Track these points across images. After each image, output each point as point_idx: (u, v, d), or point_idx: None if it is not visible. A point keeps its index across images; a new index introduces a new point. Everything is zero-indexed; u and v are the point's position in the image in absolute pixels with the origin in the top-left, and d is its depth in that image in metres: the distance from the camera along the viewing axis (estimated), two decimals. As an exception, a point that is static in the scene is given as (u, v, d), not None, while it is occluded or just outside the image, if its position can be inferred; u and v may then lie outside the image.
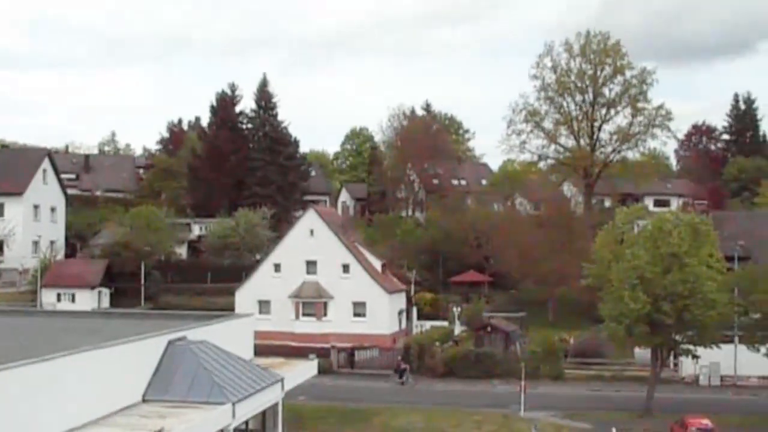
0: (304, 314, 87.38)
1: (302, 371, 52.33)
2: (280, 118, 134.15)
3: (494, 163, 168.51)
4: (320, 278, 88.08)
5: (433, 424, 58.93)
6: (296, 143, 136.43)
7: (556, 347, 78.28)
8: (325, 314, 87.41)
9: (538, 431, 55.92)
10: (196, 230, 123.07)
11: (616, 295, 60.67)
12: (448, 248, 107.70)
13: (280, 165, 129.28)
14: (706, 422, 53.87)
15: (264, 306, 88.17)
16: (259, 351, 54.48)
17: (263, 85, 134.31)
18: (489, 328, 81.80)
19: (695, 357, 65.14)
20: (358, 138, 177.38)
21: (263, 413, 43.68)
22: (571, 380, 75.75)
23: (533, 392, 65.20)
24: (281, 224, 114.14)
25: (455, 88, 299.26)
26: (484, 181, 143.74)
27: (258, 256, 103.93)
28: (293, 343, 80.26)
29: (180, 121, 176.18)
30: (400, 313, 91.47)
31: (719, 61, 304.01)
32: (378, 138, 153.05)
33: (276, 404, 44.25)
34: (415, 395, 69.72)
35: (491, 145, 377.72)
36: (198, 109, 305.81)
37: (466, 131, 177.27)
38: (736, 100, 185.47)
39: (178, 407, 36.28)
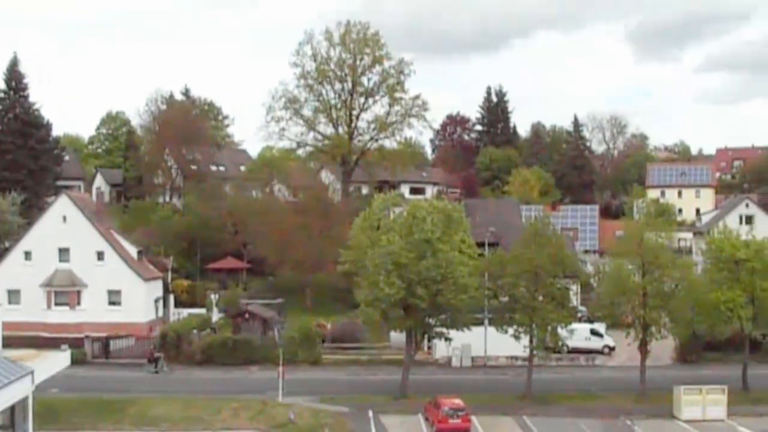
0: (56, 303, 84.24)
1: (54, 363, 50.51)
2: (31, 99, 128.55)
3: (253, 150, 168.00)
4: (73, 266, 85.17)
5: (190, 413, 58.23)
6: (49, 126, 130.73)
7: (314, 333, 78.83)
8: (79, 303, 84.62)
9: (296, 416, 56.28)
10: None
11: (371, 281, 61.67)
12: (205, 235, 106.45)
13: (31, 149, 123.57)
14: (458, 402, 55.97)
15: (13, 295, 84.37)
16: (8, 343, 52.44)
17: (13, 65, 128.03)
18: (247, 315, 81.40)
19: (448, 339, 67.24)
20: (114, 122, 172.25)
21: (12, 408, 41.76)
22: (328, 365, 76.51)
23: (291, 378, 65.27)
24: (32, 210, 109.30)
25: (215, 74, 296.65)
26: (243, 168, 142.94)
27: (7, 244, 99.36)
28: (46, 334, 77.49)
29: None
30: (156, 300, 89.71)
31: (475, 55, 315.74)
32: (135, 122, 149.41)
33: (26, 398, 42.43)
34: (173, 384, 68.65)
35: (251, 131, 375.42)
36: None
37: (226, 117, 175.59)
38: (489, 93, 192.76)
39: None
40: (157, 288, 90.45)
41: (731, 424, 58.03)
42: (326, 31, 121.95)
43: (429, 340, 75.79)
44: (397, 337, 75.01)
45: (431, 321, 64.69)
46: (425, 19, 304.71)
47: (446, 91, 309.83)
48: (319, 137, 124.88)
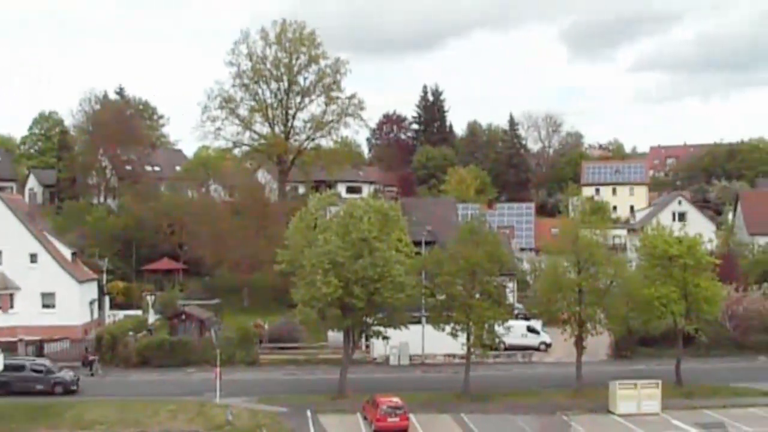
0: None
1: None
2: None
3: (189, 150, 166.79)
4: (6, 269, 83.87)
5: (127, 416, 57.70)
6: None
7: (251, 333, 78.55)
8: (12, 306, 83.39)
9: (234, 417, 56.01)
10: None
11: (308, 280, 61.59)
12: (141, 236, 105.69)
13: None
14: (396, 400, 56.05)
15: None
16: (-62, 349, 51.47)
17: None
18: (183, 316, 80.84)
19: (386, 338, 67.39)
20: (47, 122, 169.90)
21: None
22: (266, 365, 76.27)
23: (229, 379, 65.06)
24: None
25: (150, 74, 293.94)
26: (178, 168, 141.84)
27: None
28: (-22, 338, 76.22)
29: None
30: (91, 303, 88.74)
31: (411, 54, 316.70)
32: (69, 122, 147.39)
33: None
34: (109, 387, 67.89)
35: (186, 131, 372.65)
36: None
37: (161, 117, 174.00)
38: (425, 92, 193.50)
39: None
40: (91, 290, 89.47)
41: (665, 418, 58.77)
42: (262, 30, 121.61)
43: (367, 339, 75.78)
44: (335, 336, 74.91)
45: (369, 320, 64.70)
46: (361, 19, 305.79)
47: (383, 90, 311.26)
48: (255, 137, 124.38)
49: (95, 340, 77.43)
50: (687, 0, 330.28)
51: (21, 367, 65.25)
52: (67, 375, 66.47)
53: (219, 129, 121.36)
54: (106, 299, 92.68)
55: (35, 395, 63.59)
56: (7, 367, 63.09)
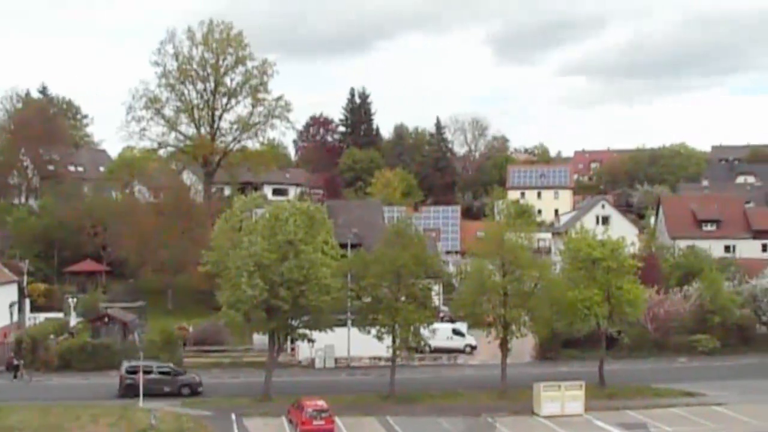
0: None
1: None
2: None
3: (113, 150, 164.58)
4: None
5: (48, 420, 56.61)
6: None
7: (175, 336, 77.72)
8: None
9: (157, 421, 55.38)
10: None
11: (233, 282, 61.21)
12: (63, 237, 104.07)
13: None
14: (321, 403, 55.96)
15: None
16: None
17: None
18: (106, 319, 79.73)
19: (311, 341, 67.29)
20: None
21: None
22: (191, 368, 75.39)
23: (152, 382, 64.45)
24: None
25: (74, 73, 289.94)
26: (102, 168, 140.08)
27: None
28: None
29: None
30: (11, 305, 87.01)
31: (339, 57, 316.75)
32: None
33: None
34: (30, 391, 66.58)
35: (111, 131, 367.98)
36: None
37: (85, 116, 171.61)
38: (352, 95, 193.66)
39: None
40: (11, 292, 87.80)
41: (588, 419, 59.44)
42: (188, 30, 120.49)
43: (292, 342, 75.55)
44: (260, 339, 74.55)
45: (294, 322, 64.56)
46: (289, 20, 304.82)
47: (310, 92, 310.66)
48: (181, 137, 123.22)
49: (15, 344, 75.97)
50: (613, 7, 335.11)
51: (149, 371, 65.32)
52: (192, 377, 67.61)
53: (144, 129, 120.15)
54: (27, 302, 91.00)
55: (162, 397, 63.81)
56: (133, 371, 64.55)
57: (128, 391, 64.35)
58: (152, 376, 65.60)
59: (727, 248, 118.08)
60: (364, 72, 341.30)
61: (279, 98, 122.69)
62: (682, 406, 62.99)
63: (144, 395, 62.11)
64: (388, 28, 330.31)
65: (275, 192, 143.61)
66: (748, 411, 60.77)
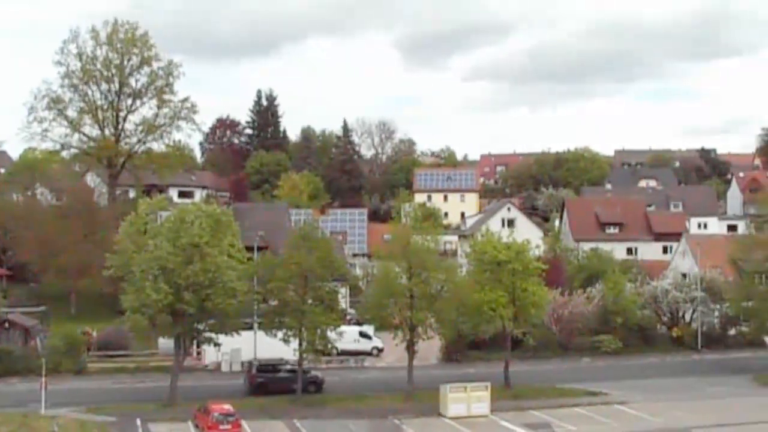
0: None
1: None
2: None
3: (14, 152, 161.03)
4: None
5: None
6: None
7: (79, 341, 76.60)
8: None
9: (60, 428, 54.48)
10: None
11: (138, 286, 60.51)
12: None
13: None
14: (227, 407, 55.76)
15: None
16: None
17: None
18: (7, 324, 78.07)
19: (217, 344, 66.86)
20: None
21: None
22: (94, 374, 74.45)
23: (55, 388, 63.17)
24: None
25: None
26: (2, 170, 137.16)
27: None
28: None
29: None
30: None
31: (247, 59, 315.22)
32: None
33: None
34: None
35: (11, 132, 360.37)
36: None
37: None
38: (259, 97, 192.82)
39: None
40: None
41: (494, 419, 60.11)
42: (92, 30, 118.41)
43: (198, 346, 75.00)
44: (166, 343, 73.61)
45: (200, 326, 64.04)
46: (197, 22, 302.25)
47: (218, 94, 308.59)
48: (85, 139, 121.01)
49: None
50: (519, 14, 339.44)
51: (277, 369, 68.21)
52: (316, 376, 69.55)
53: (46, 131, 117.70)
54: None
55: (289, 394, 65.48)
56: (263, 369, 68.39)
57: (258, 389, 66.91)
58: (281, 374, 68.02)
59: (629, 250, 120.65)
60: (272, 74, 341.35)
61: (185, 100, 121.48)
62: (585, 405, 64.15)
63: (273, 393, 65.32)
64: (297, 30, 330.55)
65: (181, 194, 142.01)
66: (649, 409, 62.26)
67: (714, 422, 59.16)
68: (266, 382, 67.40)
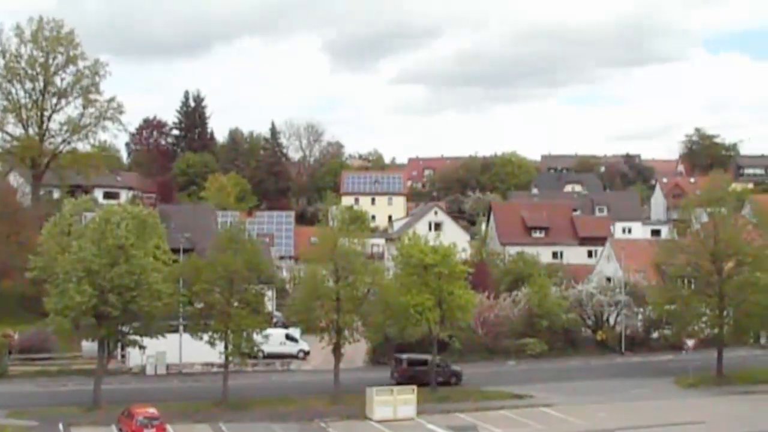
0: None
1: None
2: None
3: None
4: None
5: None
6: None
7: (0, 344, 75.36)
8: None
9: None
10: None
11: (61, 288, 59.79)
12: None
13: None
14: (152, 411, 55.21)
15: None
16: None
17: None
18: (-76, 327, 76.70)
19: (142, 347, 66.23)
20: None
21: None
22: (16, 377, 73.21)
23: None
24: None
25: None
26: None
27: None
28: None
29: None
30: None
31: (177, 59, 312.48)
32: None
33: None
34: None
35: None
36: None
37: None
38: (187, 98, 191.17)
39: None
40: None
41: (420, 422, 60.38)
42: (16, 27, 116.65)
43: (122, 349, 74.28)
44: (90, 346, 72.78)
45: (125, 329, 63.46)
46: (125, 21, 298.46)
47: (146, 94, 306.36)
48: (8, 138, 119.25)
49: None
50: (448, 18, 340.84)
51: (425, 362, 71.53)
52: (456, 369, 74.57)
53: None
54: None
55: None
56: (413, 362, 72.49)
57: (410, 381, 67.32)
58: (427, 367, 71.00)
59: (554, 254, 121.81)
60: (201, 75, 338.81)
61: (111, 100, 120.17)
62: (510, 408, 64.73)
63: (421, 384, 65.61)
64: (226, 31, 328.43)
65: (106, 195, 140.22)
66: (573, 412, 62.96)
67: (636, 424, 60.05)
68: (415, 374, 70.05)
